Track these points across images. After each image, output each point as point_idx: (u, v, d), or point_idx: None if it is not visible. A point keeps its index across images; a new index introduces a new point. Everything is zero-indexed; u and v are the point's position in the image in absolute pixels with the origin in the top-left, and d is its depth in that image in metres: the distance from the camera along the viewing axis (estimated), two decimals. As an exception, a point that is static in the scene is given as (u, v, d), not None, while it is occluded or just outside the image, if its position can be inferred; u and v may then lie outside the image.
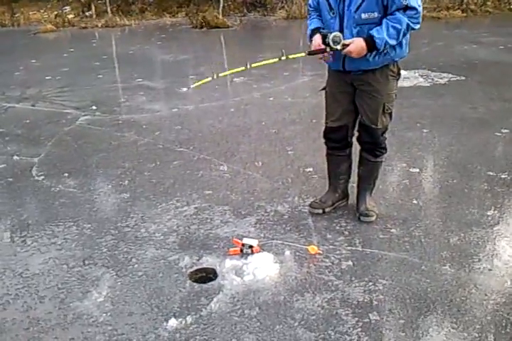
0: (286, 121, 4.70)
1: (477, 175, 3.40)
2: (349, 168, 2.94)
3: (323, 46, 2.47)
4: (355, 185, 2.98)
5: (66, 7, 15.86)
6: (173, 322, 2.03)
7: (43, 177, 3.57)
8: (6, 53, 9.44)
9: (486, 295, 2.16)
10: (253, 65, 2.62)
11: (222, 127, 4.60)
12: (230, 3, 15.06)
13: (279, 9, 14.44)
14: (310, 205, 2.96)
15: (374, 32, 2.39)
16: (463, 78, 6.28)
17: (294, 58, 2.59)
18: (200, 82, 2.76)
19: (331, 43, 2.42)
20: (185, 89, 2.91)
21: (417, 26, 2.42)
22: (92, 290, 2.25)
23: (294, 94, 5.71)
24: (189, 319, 2.05)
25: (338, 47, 2.43)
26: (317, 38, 2.53)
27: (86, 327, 2.02)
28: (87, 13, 15.23)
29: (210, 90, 6.01)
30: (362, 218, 2.82)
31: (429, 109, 4.97)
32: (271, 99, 5.56)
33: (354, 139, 2.84)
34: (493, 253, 2.48)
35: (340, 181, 2.95)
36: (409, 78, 6.31)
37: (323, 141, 2.91)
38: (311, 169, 3.55)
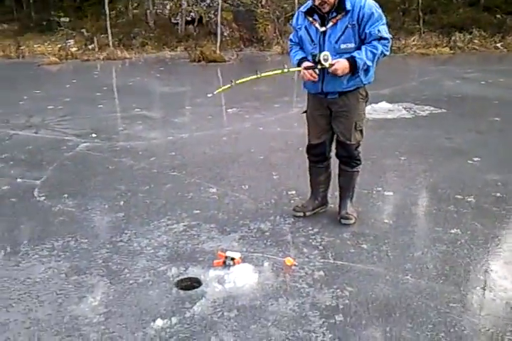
0: (274, 149, 5.02)
1: (446, 198, 3.69)
2: (327, 179, 3.39)
3: (312, 64, 2.90)
4: (337, 193, 3.39)
5: (70, 40, 16.49)
6: (159, 322, 2.27)
7: (44, 197, 3.85)
8: (11, 84, 9.88)
9: (439, 300, 2.41)
10: (262, 75, 3.03)
11: (214, 154, 4.92)
12: (227, 38, 15.71)
13: (275, 44, 15.08)
14: (293, 209, 3.40)
15: (355, 54, 2.86)
16: (443, 111, 6.67)
17: (294, 71, 3.09)
18: (221, 89, 3.13)
19: (322, 61, 2.83)
20: (209, 95, 3.27)
21: (388, 52, 2.92)
22: (87, 296, 2.49)
23: (283, 124, 6.06)
24: (174, 320, 2.29)
25: (327, 64, 2.84)
26: (306, 62, 2.97)
27: (81, 326, 2.26)
28: (89, 46, 15.83)
29: (204, 120, 6.39)
30: (342, 221, 3.23)
31: (409, 139, 5.31)
32: (261, 128, 5.91)
33: (332, 154, 3.28)
34: (450, 266, 2.74)
35: (320, 190, 3.39)
36: (393, 110, 6.70)
37: (306, 156, 3.37)
38: (293, 192, 3.84)
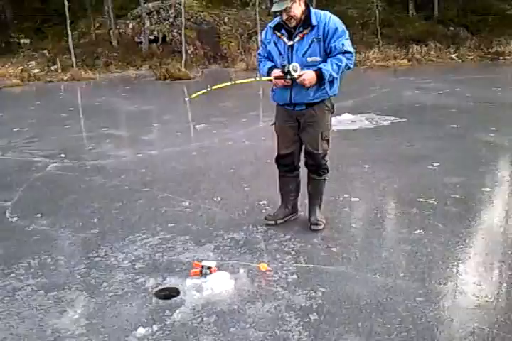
0: (244, 162, 5.16)
1: (409, 202, 3.88)
2: (297, 187, 3.53)
3: (282, 74, 3.06)
4: (306, 201, 3.51)
5: (31, 62, 16.37)
6: (141, 331, 2.33)
7: (16, 218, 3.85)
8: (-26, 107, 9.73)
9: (406, 295, 2.56)
10: (237, 82, 3.20)
11: (184, 169, 5.01)
12: (192, 56, 15.92)
13: (239, 61, 15.36)
14: (265, 218, 3.52)
15: (322, 66, 3.05)
16: (404, 120, 6.97)
17: (266, 80, 3.20)
18: (197, 93, 3.22)
19: (291, 71, 3.00)
20: (186, 99, 3.37)
21: (352, 65, 3.13)
22: (67, 310, 2.54)
23: (251, 138, 6.22)
24: (155, 327, 2.36)
25: (295, 75, 3.01)
26: (276, 70, 3.12)
27: (64, 339, 2.30)
28: (52, 68, 15.77)
29: (173, 136, 6.49)
30: (312, 227, 3.36)
31: (371, 148, 5.54)
32: (230, 143, 6.05)
33: (302, 163, 3.42)
34: (414, 263, 2.90)
35: (290, 198, 3.53)
36: (355, 121, 6.96)
37: (275, 166, 3.50)
38: (264, 202, 3.96)
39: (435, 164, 4.81)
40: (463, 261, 2.93)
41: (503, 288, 2.63)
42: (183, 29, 14.87)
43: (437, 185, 4.23)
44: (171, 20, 16.72)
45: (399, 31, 16.49)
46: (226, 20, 16.47)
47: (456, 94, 9.13)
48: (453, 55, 15.08)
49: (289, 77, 3.05)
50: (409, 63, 14.70)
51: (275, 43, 3.17)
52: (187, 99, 3.42)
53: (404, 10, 17.83)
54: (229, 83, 3.17)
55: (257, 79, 3.21)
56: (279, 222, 3.48)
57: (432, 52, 15.44)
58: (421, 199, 3.91)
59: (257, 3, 15.00)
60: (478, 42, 15.91)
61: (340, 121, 6.78)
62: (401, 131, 6.36)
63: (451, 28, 16.56)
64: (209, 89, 3.16)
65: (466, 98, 8.65)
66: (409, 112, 7.55)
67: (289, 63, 3.06)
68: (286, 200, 3.55)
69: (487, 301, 2.49)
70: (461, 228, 3.36)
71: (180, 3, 14.72)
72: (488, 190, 4.10)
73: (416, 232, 3.33)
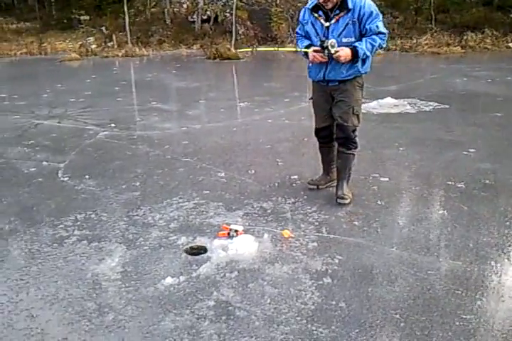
0: (281, 139, 5.33)
1: (437, 184, 3.96)
2: (336, 157, 3.72)
3: (320, 48, 3.25)
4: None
5: (90, 38, 16.95)
6: (168, 280, 2.59)
7: (67, 178, 4.20)
8: (35, 78, 10.33)
9: (419, 268, 2.70)
10: (279, 48, 3.47)
11: (224, 143, 5.24)
12: (242, 36, 16.02)
13: (289, 43, 15.35)
14: (308, 183, 3.87)
15: (357, 44, 3.23)
16: (447, 106, 6.90)
17: (306, 52, 3.35)
18: (243, 50, 3.56)
19: (329, 47, 3.19)
20: (239, 50, 3.66)
21: (384, 45, 3.34)
22: (106, 258, 2.83)
23: (291, 117, 6.36)
24: (181, 278, 2.61)
25: (332, 50, 3.19)
26: (314, 47, 3.30)
27: (102, 282, 2.59)
28: (109, 44, 16.29)
29: (217, 112, 6.72)
30: (338, 200, 3.55)
31: (410, 132, 5.57)
32: (269, 121, 6.22)
33: None
34: (433, 240, 3.02)
35: (331, 166, 3.80)
36: (397, 106, 6.94)
37: (311, 143, 3.73)
38: (296, 177, 4.14)
39: (471, 150, 4.82)
40: (480, 242, 3.01)
41: (516, 268, 2.72)
42: (234, 9, 14.99)
43: (469, 170, 4.26)
44: (223, 0, 16.87)
45: (454, 17, 15.96)
46: (278, 1, 16.45)
47: (506, 83, 8.87)
48: (510, 44, 14.49)
49: (326, 52, 3.22)
50: (463, 51, 14.24)
51: (312, 24, 3.34)
52: (238, 50, 3.71)
53: (462, -5, 17.21)
54: (272, 48, 3.38)
55: (298, 49, 3.41)
56: (320, 187, 3.82)
57: (487, 40, 14.87)
58: (450, 183, 3.97)
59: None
60: (540, 30, 15.22)
61: (382, 105, 6.79)
62: (442, 116, 6.33)
63: (511, 15, 15.86)
64: (254, 48, 3.40)
65: (516, 87, 8.41)
66: (453, 99, 7.45)
67: (328, 39, 3.21)
68: (327, 168, 3.84)
69: (498, 280, 2.60)
70: (485, 211, 3.43)
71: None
72: (520, 177, 4.11)
73: (439, 212, 3.43)
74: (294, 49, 3.47)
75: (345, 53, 3.20)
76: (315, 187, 3.82)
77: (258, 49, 3.42)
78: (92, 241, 3.04)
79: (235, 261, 2.79)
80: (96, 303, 2.41)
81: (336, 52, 3.20)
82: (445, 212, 3.43)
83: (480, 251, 2.88)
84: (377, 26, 3.22)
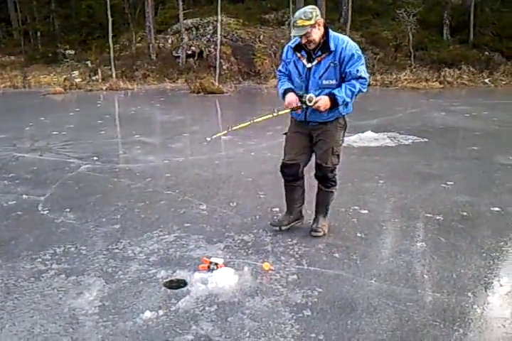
0: (263, 172, 5.39)
1: (416, 217, 4.02)
2: (301, 196, 3.70)
3: (299, 104, 3.30)
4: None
5: (74, 72, 17.14)
6: (147, 314, 2.56)
7: (47, 211, 4.17)
8: (18, 111, 10.35)
9: (398, 300, 2.71)
10: (255, 120, 3.39)
11: (206, 175, 5.28)
12: (226, 71, 16.37)
13: (271, 78, 15.70)
14: (270, 224, 3.72)
15: (336, 92, 3.25)
16: (425, 140, 7.07)
17: (283, 114, 3.38)
18: (218, 134, 3.52)
19: (307, 102, 3.25)
20: (208, 138, 3.58)
21: (365, 90, 3.31)
22: (84, 292, 2.79)
23: (273, 150, 6.43)
24: (160, 312, 2.58)
25: (311, 104, 3.25)
26: (292, 96, 3.33)
27: (79, 316, 2.55)
28: (93, 78, 16.48)
29: (200, 146, 6.78)
30: (312, 233, 3.55)
31: (389, 165, 5.68)
32: (252, 154, 6.30)
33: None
34: (411, 272, 3.05)
35: (295, 206, 3.71)
36: (378, 139, 7.11)
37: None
38: (277, 209, 4.17)
39: (449, 183, 4.92)
40: (458, 273, 3.04)
41: (500, 299, 2.75)
42: (219, 45, 15.37)
43: (447, 203, 4.34)
44: (208, 36, 17.30)
45: (432, 54, 16.57)
46: (261, 38, 16.94)
47: (483, 118, 9.16)
48: (486, 80, 15.03)
49: (304, 106, 3.28)
50: (441, 86, 14.73)
51: (295, 64, 3.37)
52: (208, 138, 3.62)
53: (438, 33, 17.92)
54: (248, 123, 3.41)
55: (275, 114, 3.34)
56: (283, 228, 3.67)
57: (464, 76, 15.43)
58: (428, 215, 4.03)
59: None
60: (513, 67, 15.84)
61: (362, 139, 6.94)
62: (421, 150, 6.48)
63: (486, 53, 16.52)
64: (229, 129, 3.42)
65: (492, 122, 8.68)
66: (432, 133, 7.65)
67: (306, 88, 3.29)
68: (290, 208, 3.73)
69: (477, 311, 2.62)
70: (463, 243, 3.48)
71: (217, 21, 15.25)
72: (497, 209, 4.19)
73: (418, 244, 3.47)
74: (270, 116, 3.32)
75: (323, 103, 3.21)
76: (277, 228, 3.67)
77: (234, 128, 3.45)
78: (70, 275, 3.00)
79: (215, 294, 2.77)
80: (72, 339, 2.36)
81: (316, 102, 3.22)
82: (424, 243, 3.48)
83: (458, 283, 2.91)
84: (357, 70, 3.20)
